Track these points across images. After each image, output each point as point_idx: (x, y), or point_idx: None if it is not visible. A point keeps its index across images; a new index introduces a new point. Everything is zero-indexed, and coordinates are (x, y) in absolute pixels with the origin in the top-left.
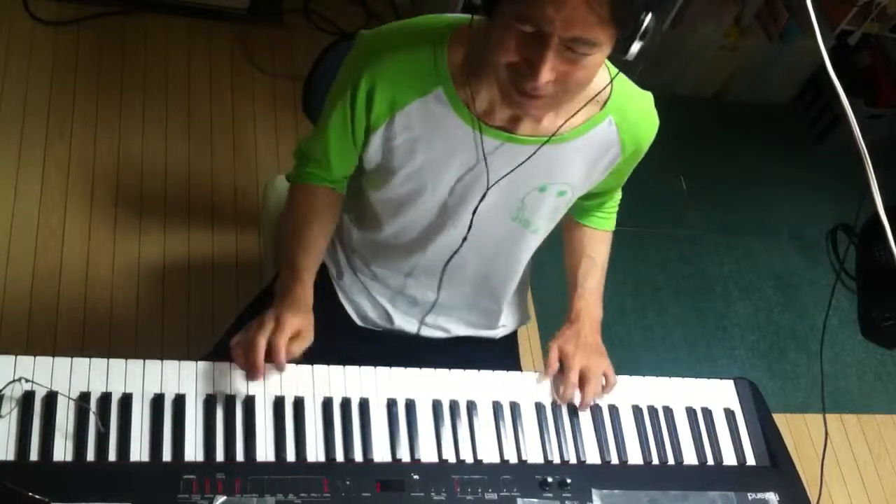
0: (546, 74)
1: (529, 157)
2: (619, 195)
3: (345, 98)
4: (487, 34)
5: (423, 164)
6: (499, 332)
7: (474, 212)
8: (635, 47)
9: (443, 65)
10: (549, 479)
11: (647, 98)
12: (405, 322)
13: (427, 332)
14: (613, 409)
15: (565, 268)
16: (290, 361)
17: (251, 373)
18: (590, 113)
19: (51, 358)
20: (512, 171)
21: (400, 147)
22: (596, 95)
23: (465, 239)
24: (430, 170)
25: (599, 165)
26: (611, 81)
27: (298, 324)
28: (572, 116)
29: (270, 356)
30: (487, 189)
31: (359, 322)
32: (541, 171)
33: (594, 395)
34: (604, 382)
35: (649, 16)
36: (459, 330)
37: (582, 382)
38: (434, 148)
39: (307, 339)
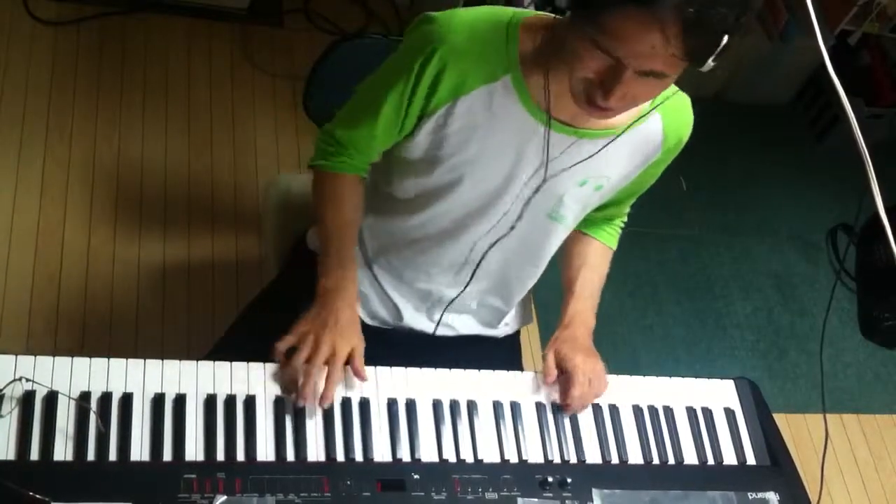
0: (615, 100)
1: (597, 151)
2: (626, 214)
3: (408, 75)
4: (565, 38)
5: (476, 154)
6: (502, 332)
7: (526, 204)
8: (709, 64)
9: (514, 50)
10: (550, 479)
11: (687, 99)
12: (414, 319)
13: (432, 329)
14: (613, 409)
15: (562, 274)
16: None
17: (315, 399)
18: (640, 107)
19: (51, 358)
20: (576, 164)
21: (454, 135)
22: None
23: (512, 228)
24: (481, 160)
25: (636, 159)
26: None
27: (350, 345)
28: (640, 118)
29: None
30: (544, 182)
31: (367, 320)
32: (585, 165)
33: (589, 401)
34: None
35: (725, 38)
36: (466, 329)
37: (587, 390)
38: (492, 137)
39: (361, 350)
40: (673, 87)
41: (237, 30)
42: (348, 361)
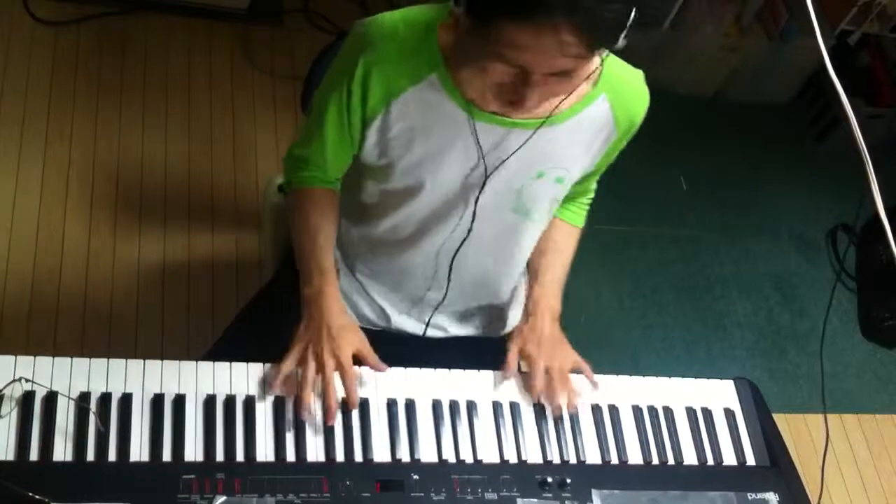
0: (531, 103)
1: (526, 140)
2: (593, 190)
3: (341, 89)
4: (475, 41)
5: (422, 155)
6: (500, 331)
7: (476, 201)
8: (621, 42)
9: (435, 50)
10: (549, 479)
11: (638, 74)
12: (403, 321)
13: (423, 331)
14: (613, 409)
15: (530, 257)
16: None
17: (326, 416)
18: (582, 91)
19: (51, 358)
20: (510, 156)
21: (397, 138)
22: (588, 76)
23: (469, 230)
24: (429, 160)
25: (595, 145)
26: (601, 63)
27: (353, 348)
28: (565, 98)
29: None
30: (486, 177)
31: (356, 322)
32: (537, 156)
33: (571, 393)
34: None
35: (632, 16)
36: (458, 330)
37: (551, 382)
38: (432, 137)
39: (367, 347)
40: (618, 68)
41: (237, 30)
42: (359, 363)
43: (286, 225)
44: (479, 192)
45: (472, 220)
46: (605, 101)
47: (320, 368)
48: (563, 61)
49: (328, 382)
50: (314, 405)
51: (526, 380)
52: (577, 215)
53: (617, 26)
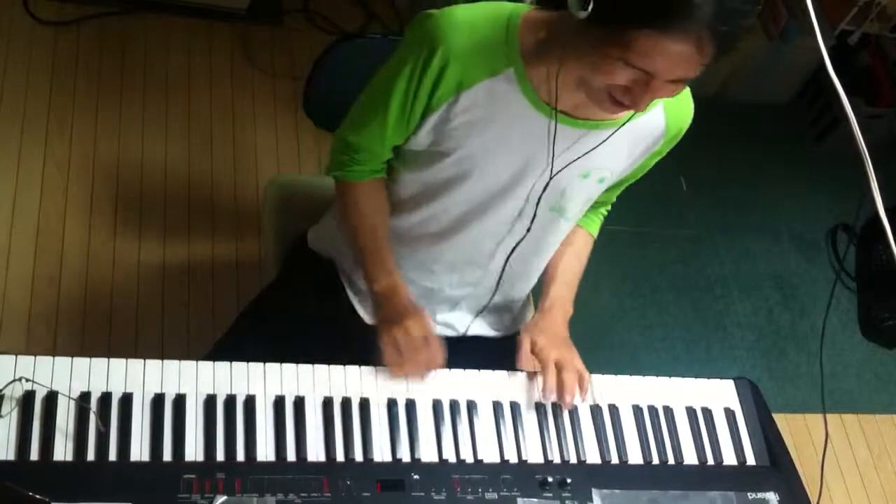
0: (645, 104)
1: (602, 141)
2: (611, 203)
3: (412, 75)
4: (578, 46)
5: (479, 148)
6: (503, 332)
7: (538, 202)
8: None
9: (515, 45)
10: (549, 479)
11: (687, 87)
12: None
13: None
14: (613, 409)
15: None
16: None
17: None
18: None
19: (51, 358)
20: (582, 156)
21: (457, 129)
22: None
23: (529, 229)
24: (484, 153)
25: (640, 148)
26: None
27: (428, 323)
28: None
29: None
30: (551, 177)
31: (367, 319)
32: (587, 157)
33: (572, 389)
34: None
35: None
36: (471, 329)
37: (563, 376)
38: (493, 130)
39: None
40: None
41: (237, 30)
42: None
43: (287, 225)
44: (542, 193)
45: (532, 221)
46: (660, 109)
47: (408, 340)
48: (691, 68)
49: (417, 348)
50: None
51: (534, 378)
52: (595, 225)
53: (742, 31)
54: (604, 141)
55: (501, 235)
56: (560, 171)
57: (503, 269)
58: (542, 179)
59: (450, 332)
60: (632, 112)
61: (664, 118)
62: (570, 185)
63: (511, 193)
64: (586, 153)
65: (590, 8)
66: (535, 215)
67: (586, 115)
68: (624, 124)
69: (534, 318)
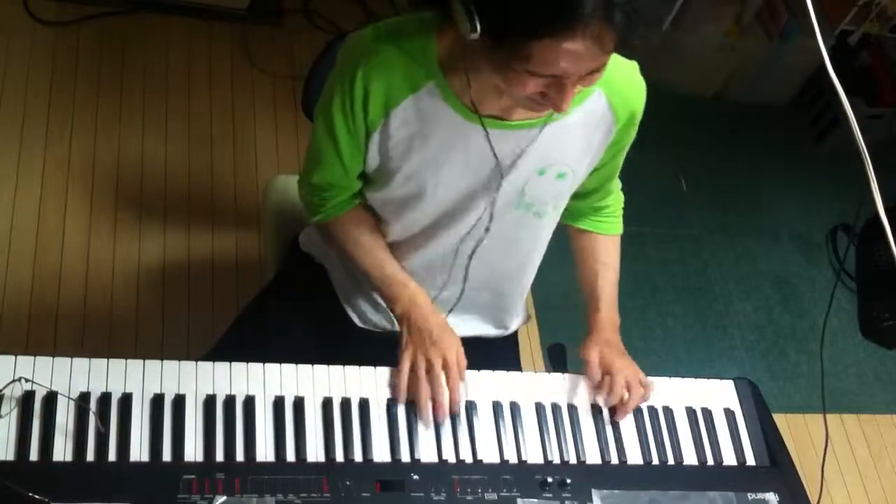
0: (567, 105)
1: (533, 140)
2: (620, 195)
3: (343, 99)
4: (496, 60)
5: (421, 163)
6: (497, 332)
7: (493, 203)
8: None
9: (432, 57)
10: (549, 479)
11: (633, 66)
12: None
13: None
14: (613, 409)
15: (578, 276)
16: None
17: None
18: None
19: (51, 358)
20: (519, 157)
21: (396, 147)
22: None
23: (487, 230)
24: (429, 167)
25: (595, 139)
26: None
27: (457, 346)
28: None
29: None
30: (502, 179)
31: (359, 323)
32: (537, 154)
33: (636, 403)
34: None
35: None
36: (464, 331)
37: (633, 390)
38: (431, 144)
39: (462, 351)
40: (612, 61)
41: (237, 30)
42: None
43: (286, 225)
44: (496, 194)
45: (490, 221)
46: (600, 96)
47: (430, 368)
48: (598, 59)
49: (437, 380)
50: (429, 404)
51: (605, 387)
52: (614, 224)
53: (642, 17)
54: (535, 138)
55: (474, 240)
56: (508, 173)
57: (465, 272)
58: (491, 185)
59: None
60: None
61: (608, 104)
62: (528, 182)
63: (475, 201)
64: (522, 152)
65: (478, 30)
66: (491, 216)
67: (518, 116)
68: (547, 122)
69: (594, 336)
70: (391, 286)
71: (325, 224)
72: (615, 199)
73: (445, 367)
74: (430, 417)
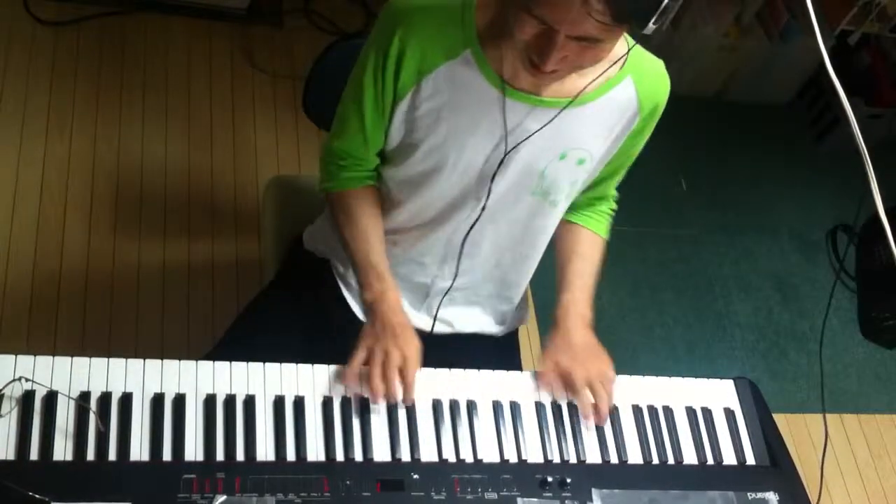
0: (553, 63)
1: (550, 120)
2: (614, 200)
3: (376, 65)
4: (506, 10)
5: (448, 135)
6: (497, 329)
7: (492, 179)
8: (651, 27)
9: (471, 26)
10: (549, 479)
11: (660, 61)
12: (412, 315)
13: (431, 325)
14: (613, 409)
15: (556, 268)
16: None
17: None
18: (609, 73)
19: (51, 357)
20: (530, 135)
21: (424, 118)
22: (616, 61)
23: (483, 208)
24: (454, 140)
25: (617, 128)
26: (629, 50)
27: (415, 345)
28: (595, 79)
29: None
30: (505, 154)
31: (361, 317)
32: (561, 136)
33: (607, 405)
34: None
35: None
36: (467, 325)
37: (596, 393)
38: (459, 115)
39: (419, 350)
40: (643, 51)
41: (237, 30)
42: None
43: (286, 225)
44: (497, 169)
45: (486, 198)
46: (630, 84)
47: (385, 364)
48: (588, 26)
49: (390, 372)
50: (381, 399)
51: (534, 378)
52: (601, 225)
53: (644, 4)
54: (550, 121)
55: (472, 221)
56: (516, 148)
57: (460, 253)
58: (493, 157)
59: (447, 329)
60: (594, 91)
61: (635, 92)
62: (549, 166)
63: (485, 178)
64: (535, 132)
65: None
66: (489, 192)
67: (544, 92)
68: (568, 104)
69: (551, 336)
70: (369, 274)
71: (333, 193)
72: (608, 201)
73: (403, 361)
74: (381, 404)
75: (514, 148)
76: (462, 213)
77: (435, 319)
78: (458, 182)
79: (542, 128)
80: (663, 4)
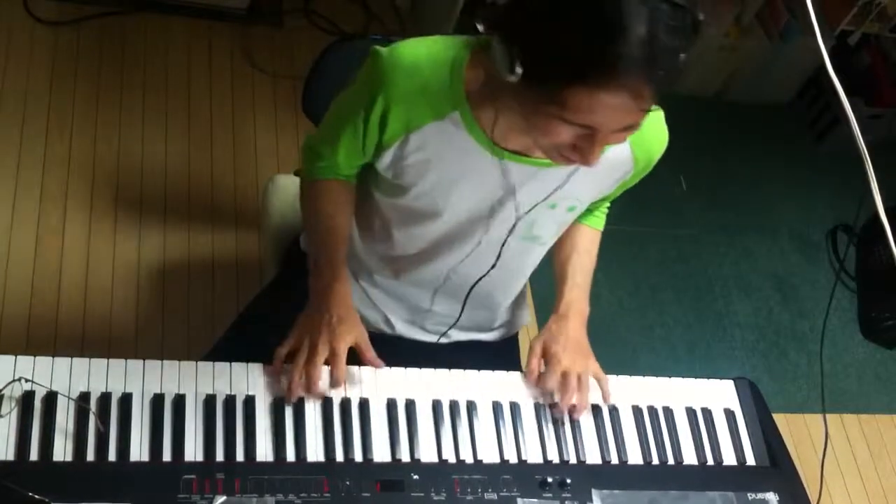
0: (596, 159)
1: (561, 185)
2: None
3: (357, 115)
4: (530, 103)
5: (435, 184)
6: (495, 335)
7: (503, 244)
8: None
9: (459, 87)
10: (549, 479)
11: (659, 114)
12: (406, 329)
13: (426, 337)
14: (613, 409)
15: (553, 262)
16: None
17: (309, 395)
18: None
19: (51, 358)
20: (547, 198)
21: (412, 166)
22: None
23: (493, 266)
24: (440, 190)
25: (609, 180)
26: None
27: (351, 339)
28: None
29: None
30: (518, 218)
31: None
32: (552, 191)
33: (583, 401)
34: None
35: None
36: (459, 336)
37: (567, 384)
38: (447, 169)
39: (366, 342)
40: None
41: (237, 30)
42: (355, 360)
43: (286, 225)
44: (510, 234)
45: (498, 258)
46: (626, 144)
47: (311, 356)
48: (636, 116)
49: (315, 367)
50: (299, 391)
51: (541, 377)
52: (598, 220)
53: (680, 64)
54: (567, 179)
55: (478, 267)
56: (525, 211)
57: (465, 300)
58: (504, 224)
59: (443, 340)
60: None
61: (630, 150)
62: (539, 216)
63: (478, 229)
64: (549, 194)
65: (518, 72)
66: (500, 253)
67: (539, 154)
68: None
69: (549, 324)
70: (321, 261)
71: (307, 181)
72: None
73: (332, 358)
74: (293, 398)
75: (529, 211)
76: (454, 255)
77: (441, 336)
78: (447, 229)
79: (550, 192)
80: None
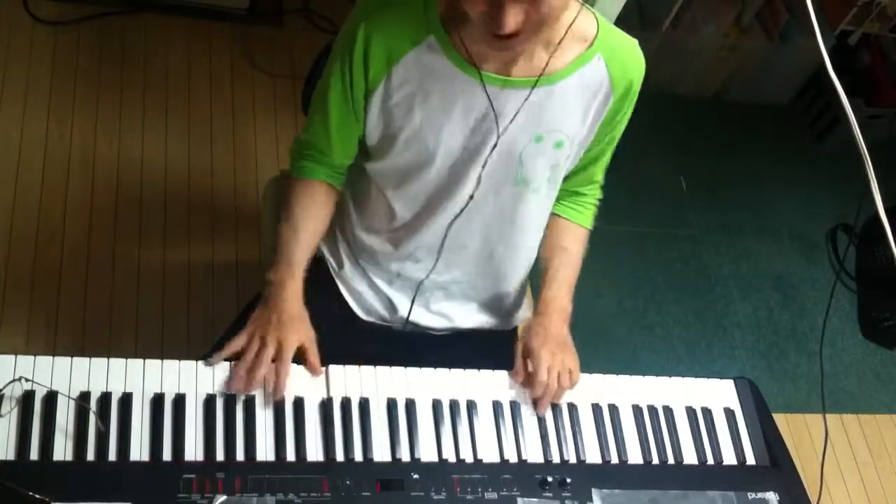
0: (510, 23)
1: (528, 97)
2: (599, 191)
3: (343, 62)
4: None
5: (423, 122)
6: (499, 322)
7: (484, 165)
8: None
9: (433, 12)
10: (549, 479)
11: (633, 42)
12: (407, 310)
13: (430, 320)
14: (613, 409)
15: (540, 260)
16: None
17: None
18: (578, 51)
19: (51, 358)
20: (515, 115)
21: (398, 107)
22: (567, 28)
23: (471, 197)
24: (430, 126)
25: (592, 109)
26: (598, 26)
27: (298, 339)
28: (554, 50)
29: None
30: (498, 137)
31: (362, 315)
32: (535, 118)
33: (552, 392)
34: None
35: None
36: (464, 321)
37: (551, 381)
38: (432, 101)
39: (312, 344)
40: (614, 31)
41: (237, 30)
42: (300, 360)
43: None
44: (490, 153)
45: (477, 185)
46: (600, 61)
47: (259, 353)
48: None
49: (261, 363)
50: (240, 385)
51: (529, 377)
52: (585, 216)
53: None
54: (529, 94)
55: (458, 210)
56: (505, 132)
57: (444, 237)
58: (485, 145)
59: (446, 324)
60: (565, 69)
61: (606, 71)
62: (526, 150)
63: (472, 166)
64: (519, 110)
65: None
66: (478, 183)
67: (517, 73)
68: (538, 81)
69: (529, 323)
70: (280, 259)
71: (290, 179)
72: (594, 189)
73: (278, 354)
74: (232, 391)
75: (505, 130)
76: (450, 203)
77: (423, 309)
78: (441, 170)
79: (521, 108)
80: None
